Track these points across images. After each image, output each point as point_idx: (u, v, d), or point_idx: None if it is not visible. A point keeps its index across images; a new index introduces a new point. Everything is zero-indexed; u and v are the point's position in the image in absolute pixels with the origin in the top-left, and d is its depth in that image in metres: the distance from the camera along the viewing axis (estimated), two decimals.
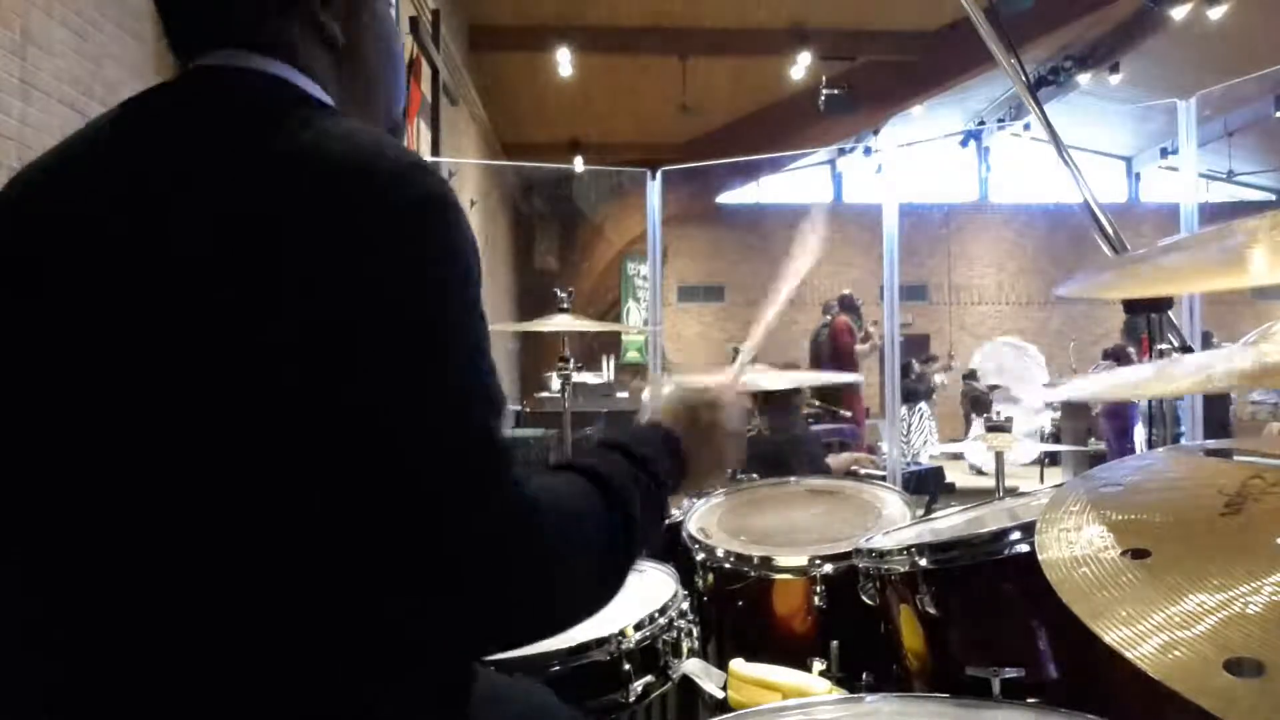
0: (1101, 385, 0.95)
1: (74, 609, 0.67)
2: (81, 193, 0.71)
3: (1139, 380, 0.87)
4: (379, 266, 0.65)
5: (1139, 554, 0.65)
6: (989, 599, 1.27)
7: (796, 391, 3.61)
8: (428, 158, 6.73)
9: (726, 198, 16.23)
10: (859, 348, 7.52)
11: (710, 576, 1.73)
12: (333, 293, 0.63)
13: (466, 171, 9.19)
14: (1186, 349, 1.43)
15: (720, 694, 1.36)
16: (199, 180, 0.68)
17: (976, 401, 10.93)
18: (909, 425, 9.06)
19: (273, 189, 0.66)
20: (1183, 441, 4.37)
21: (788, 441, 3.43)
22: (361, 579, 0.66)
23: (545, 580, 0.68)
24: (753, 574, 1.68)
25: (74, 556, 0.67)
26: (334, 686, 0.68)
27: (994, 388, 11.09)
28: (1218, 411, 6.35)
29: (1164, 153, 15.12)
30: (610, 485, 0.76)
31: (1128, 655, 0.56)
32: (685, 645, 1.43)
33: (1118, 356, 7.15)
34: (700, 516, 1.89)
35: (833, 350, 7.58)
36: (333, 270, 0.64)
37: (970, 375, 11.91)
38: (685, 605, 1.48)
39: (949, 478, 6.72)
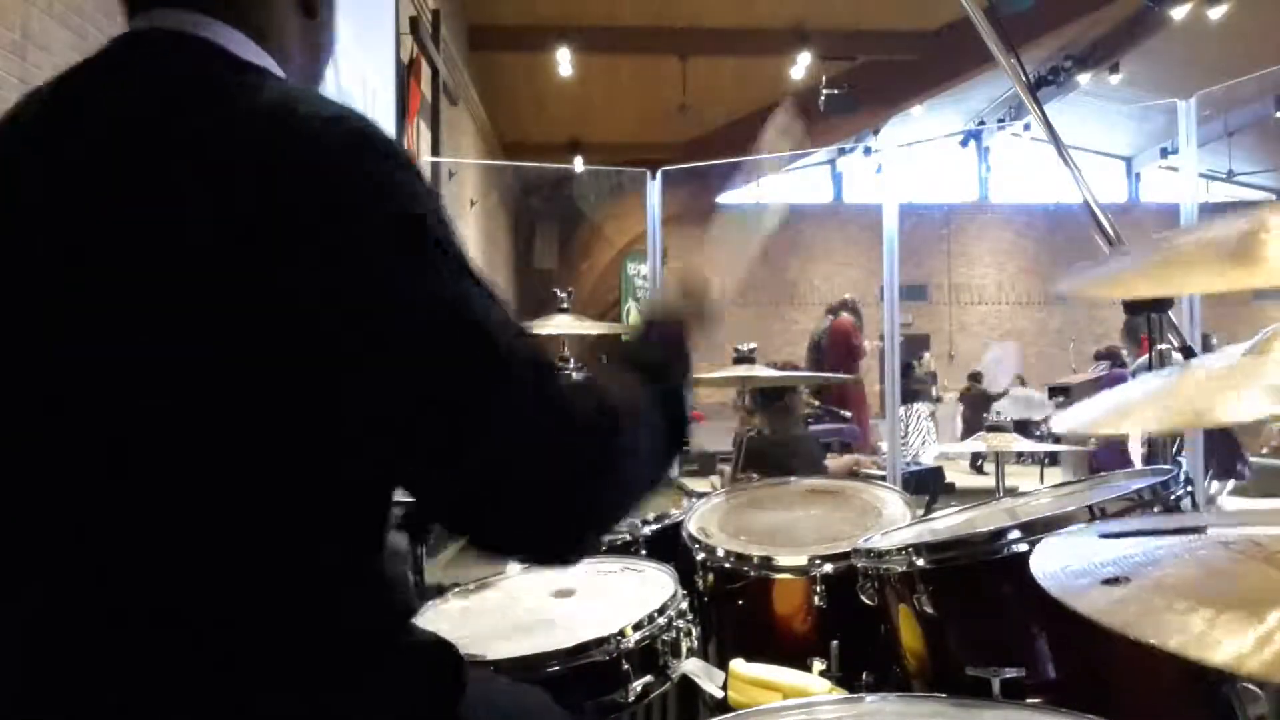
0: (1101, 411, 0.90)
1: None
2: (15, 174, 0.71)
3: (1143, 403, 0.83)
4: (335, 211, 0.65)
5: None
6: (987, 599, 1.26)
7: (794, 392, 3.61)
8: (428, 158, 6.72)
9: (726, 198, 16.23)
10: (867, 345, 7.54)
11: (710, 576, 1.73)
12: (302, 245, 0.64)
13: (466, 171, 9.18)
14: (1187, 350, 1.43)
15: (720, 694, 1.36)
16: (135, 151, 0.67)
17: (982, 401, 10.91)
18: (907, 425, 9.05)
19: (221, 153, 0.66)
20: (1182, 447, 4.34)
21: (787, 442, 3.43)
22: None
23: (605, 468, 0.72)
24: (753, 574, 1.68)
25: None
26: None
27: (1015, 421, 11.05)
28: None
29: (1164, 153, 15.13)
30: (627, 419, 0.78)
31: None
32: (684, 645, 1.43)
33: (1111, 358, 7.16)
34: (700, 516, 1.89)
35: (834, 350, 7.58)
36: (286, 223, 0.64)
37: (975, 377, 11.90)
38: (684, 605, 1.48)
39: (949, 478, 6.72)
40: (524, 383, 0.68)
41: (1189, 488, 1.24)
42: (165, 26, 0.75)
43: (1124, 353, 6.89)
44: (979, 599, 1.27)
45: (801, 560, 1.64)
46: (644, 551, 1.87)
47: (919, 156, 15.56)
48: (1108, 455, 6.67)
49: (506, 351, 0.68)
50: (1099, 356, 7.54)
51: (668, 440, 0.82)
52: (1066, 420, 0.85)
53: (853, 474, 3.86)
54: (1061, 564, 0.76)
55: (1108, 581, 0.66)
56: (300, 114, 0.68)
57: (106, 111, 0.70)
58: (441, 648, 0.81)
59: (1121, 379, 6.92)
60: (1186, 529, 0.73)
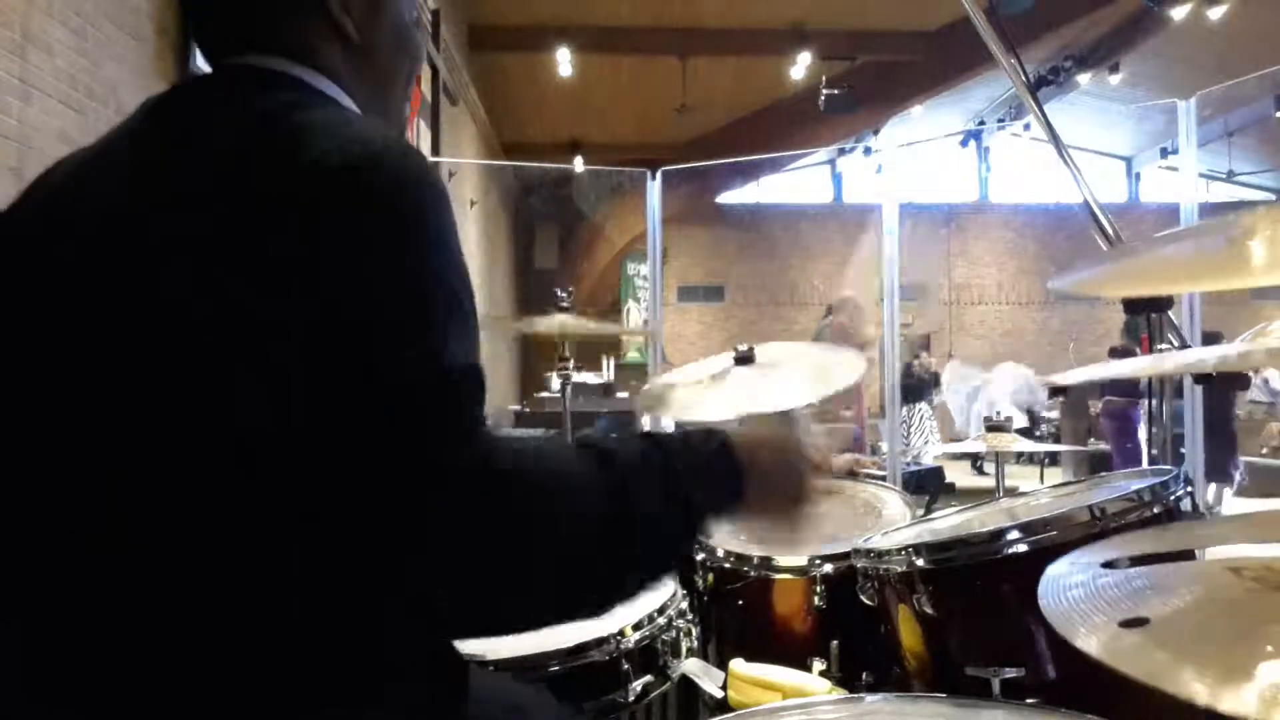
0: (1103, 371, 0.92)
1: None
2: (103, 190, 0.74)
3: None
4: (356, 246, 0.65)
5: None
6: (987, 599, 1.26)
7: None
8: (428, 158, 6.72)
9: (726, 198, 16.22)
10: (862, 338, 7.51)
11: (710, 576, 1.73)
12: (317, 274, 0.64)
13: (466, 171, 9.18)
14: (1187, 349, 1.44)
15: (720, 694, 1.36)
16: (197, 174, 0.69)
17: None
18: (909, 425, 9.05)
19: (260, 179, 0.67)
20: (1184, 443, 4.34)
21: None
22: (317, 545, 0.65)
23: (506, 539, 0.63)
24: (753, 574, 1.68)
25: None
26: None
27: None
28: (1219, 412, 6.35)
29: (1164, 153, 15.11)
30: (617, 474, 0.70)
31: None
32: (684, 645, 1.43)
33: (1124, 356, 7.16)
34: None
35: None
36: (314, 253, 0.65)
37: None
38: (684, 605, 1.48)
39: (949, 478, 6.73)
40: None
41: (1189, 488, 1.24)
42: (248, 64, 0.79)
43: (1136, 351, 6.88)
44: (979, 599, 1.27)
45: (801, 560, 1.64)
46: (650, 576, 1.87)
47: (919, 156, 15.55)
48: (1117, 451, 6.68)
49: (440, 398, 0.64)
50: (1113, 353, 7.54)
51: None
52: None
53: (853, 474, 3.85)
54: (1073, 600, 0.72)
55: (1126, 624, 0.63)
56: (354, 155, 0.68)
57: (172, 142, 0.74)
58: (445, 649, 0.81)
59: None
60: (1185, 554, 0.71)
